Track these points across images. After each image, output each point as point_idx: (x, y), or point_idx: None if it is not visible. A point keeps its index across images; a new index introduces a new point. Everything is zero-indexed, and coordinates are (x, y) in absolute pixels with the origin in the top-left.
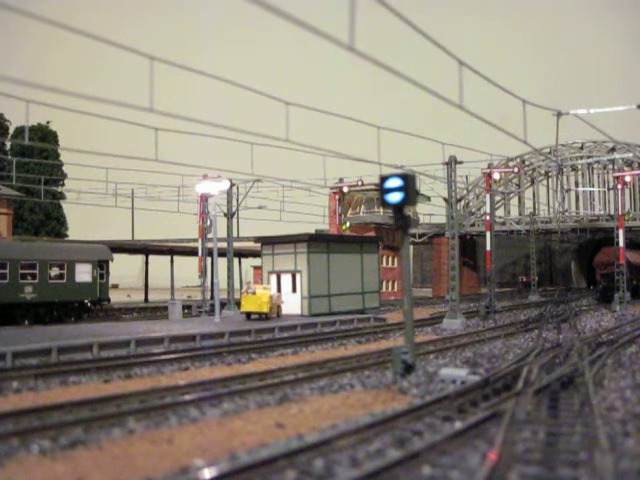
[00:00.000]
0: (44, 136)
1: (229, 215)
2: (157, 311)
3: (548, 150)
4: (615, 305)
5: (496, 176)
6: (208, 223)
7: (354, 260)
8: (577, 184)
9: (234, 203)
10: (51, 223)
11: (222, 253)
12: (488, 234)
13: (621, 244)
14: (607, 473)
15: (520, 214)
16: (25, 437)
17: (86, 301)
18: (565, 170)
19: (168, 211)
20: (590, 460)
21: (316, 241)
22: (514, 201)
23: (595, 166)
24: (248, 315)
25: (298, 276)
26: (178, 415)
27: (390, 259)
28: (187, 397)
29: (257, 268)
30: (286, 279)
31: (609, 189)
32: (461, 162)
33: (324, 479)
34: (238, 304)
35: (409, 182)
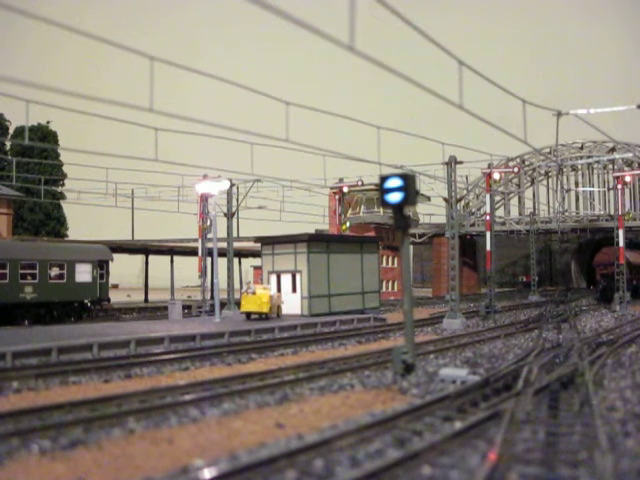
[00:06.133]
0: (44, 136)
1: (229, 215)
2: (157, 311)
3: (548, 150)
4: (615, 305)
5: (496, 176)
6: (208, 223)
7: (354, 260)
8: (577, 184)
9: (234, 203)
10: (51, 223)
11: (222, 253)
12: (488, 234)
13: (621, 244)
14: (607, 473)
15: (520, 214)
16: (25, 437)
17: (86, 301)
18: (565, 170)
19: (168, 211)
20: (590, 460)
21: (316, 241)
22: (514, 201)
23: (595, 166)
24: (248, 315)
25: (298, 276)
26: (178, 415)
27: (390, 259)
28: (187, 397)
29: (257, 268)
30: (286, 279)
31: (609, 189)
32: (461, 162)
33: (324, 479)
34: (238, 304)
35: (409, 182)
